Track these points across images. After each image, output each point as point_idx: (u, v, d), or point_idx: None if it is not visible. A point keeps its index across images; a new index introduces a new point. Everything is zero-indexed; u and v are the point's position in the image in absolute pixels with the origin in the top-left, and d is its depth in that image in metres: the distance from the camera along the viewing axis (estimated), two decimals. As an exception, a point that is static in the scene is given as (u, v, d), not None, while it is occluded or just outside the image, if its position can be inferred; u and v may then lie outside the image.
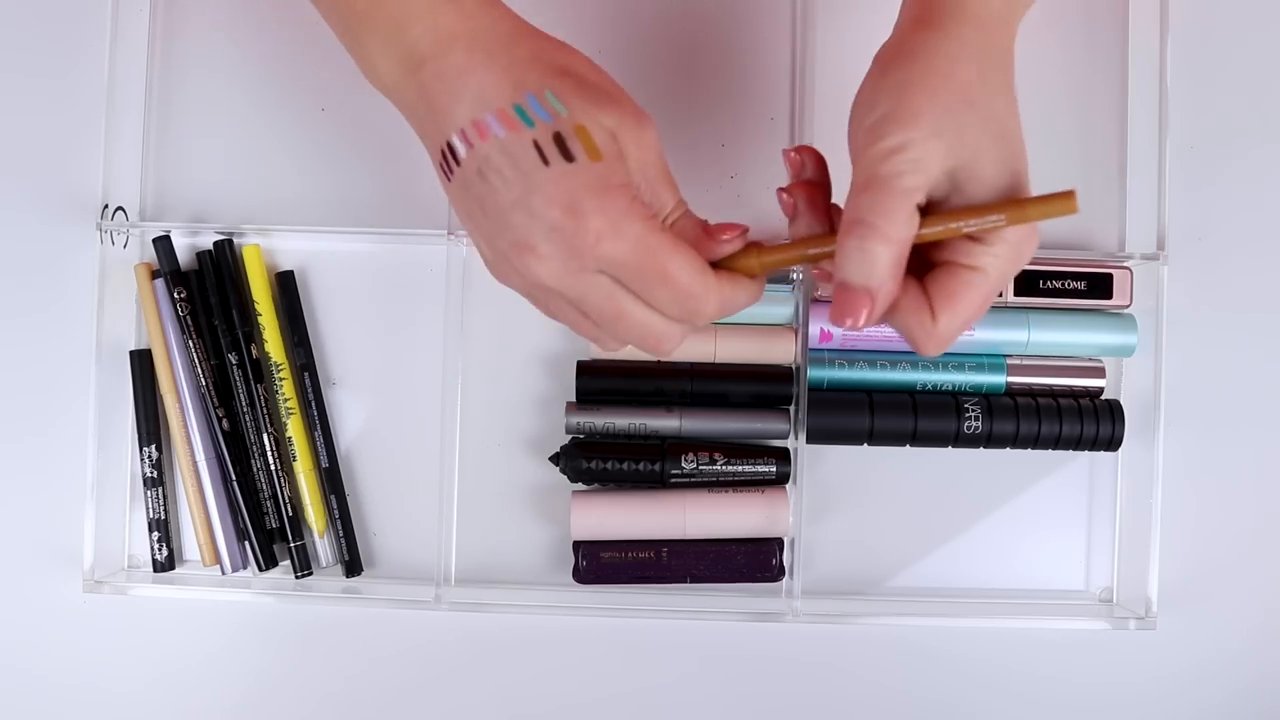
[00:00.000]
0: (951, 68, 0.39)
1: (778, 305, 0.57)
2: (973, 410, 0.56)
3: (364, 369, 0.59)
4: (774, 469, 0.57)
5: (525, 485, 0.59)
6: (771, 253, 0.42)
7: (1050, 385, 0.57)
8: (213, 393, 0.57)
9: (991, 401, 0.56)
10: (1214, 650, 0.59)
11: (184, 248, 0.58)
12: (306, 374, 0.58)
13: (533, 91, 0.39)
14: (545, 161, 0.38)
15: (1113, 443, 0.56)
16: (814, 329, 0.57)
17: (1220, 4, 0.59)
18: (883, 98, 0.39)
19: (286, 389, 0.58)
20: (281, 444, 0.58)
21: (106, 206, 0.57)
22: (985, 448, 0.57)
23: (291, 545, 0.58)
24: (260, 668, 0.59)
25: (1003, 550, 0.59)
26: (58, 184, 0.59)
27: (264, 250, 0.58)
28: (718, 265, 0.42)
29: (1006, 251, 0.40)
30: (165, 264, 0.57)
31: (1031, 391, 0.57)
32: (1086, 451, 0.57)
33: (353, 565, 0.58)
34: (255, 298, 0.57)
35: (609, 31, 0.59)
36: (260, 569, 0.58)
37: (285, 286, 0.58)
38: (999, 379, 0.57)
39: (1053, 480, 0.59)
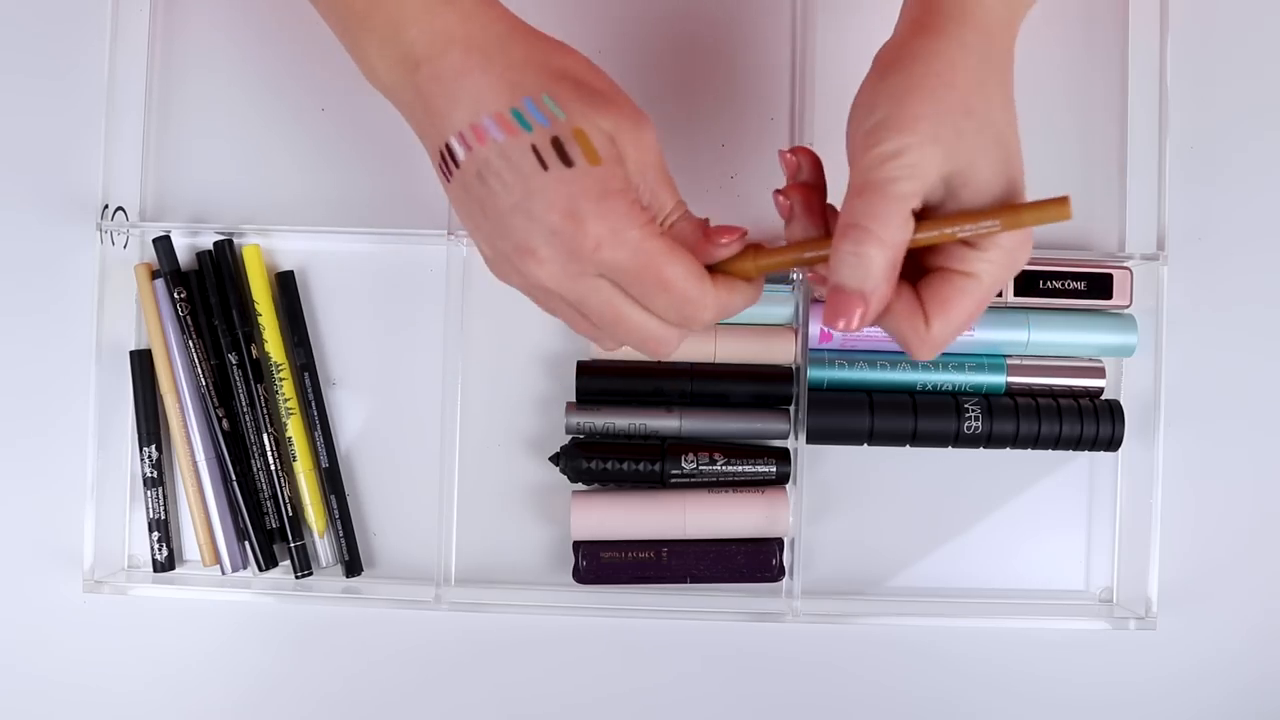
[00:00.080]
0: (951, 73, 0.39)
1: (778, 305, 0.57)
2: (973, 410, 0.56)
3: (364, 369, 0.59)
4: (774, 469, 0.57)
5: (525, 485, 0.59)
6: (767, 256, 0.42)
7: (1050, 385, 0.57)
8: (213, 393, 0.57)
9: (991, 401, 0.56)
10: (1214, 650, 0.59)
11: (184, 248, 0.58)
12: (306, 374, 0.58)
13: (530, 95, 0.39)
14: (544, 166, 0.38)
15: (1113, 443, 0.56)
16: (814, 329, 0.57)
17: (1220, 4, 0.59)
18: (881, 101, 0.39)
19: (286, 389, 0.58)
20: (281, 444, 0.58)
21: (106, 206, 0.57)
22: (985, 448, 0.57)
23: (291, 545, 0.58)
24: (260, 668, 0.59)
25: (1003, 550, 0.59)
26: (58, 184, 0.59)
27: (264, 250, 0.58)
28: (714, 268, 0.42)
29: (1001, 257, 0.40)
30: (165, 264, 0.57)
31: (1031, 391, 0.57)
32: (1086, 451, 0.57)
33: (353, 565, 0.58)
34: (255, 298, 0.57)
35: (609, 31, 0.59)
36: (260, 569, 0.58)
37: (285, 286, 0.58)
38: (999, 379, 0.57)
39: (1053, 480, 0.59)
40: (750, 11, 0.59)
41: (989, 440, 0.56)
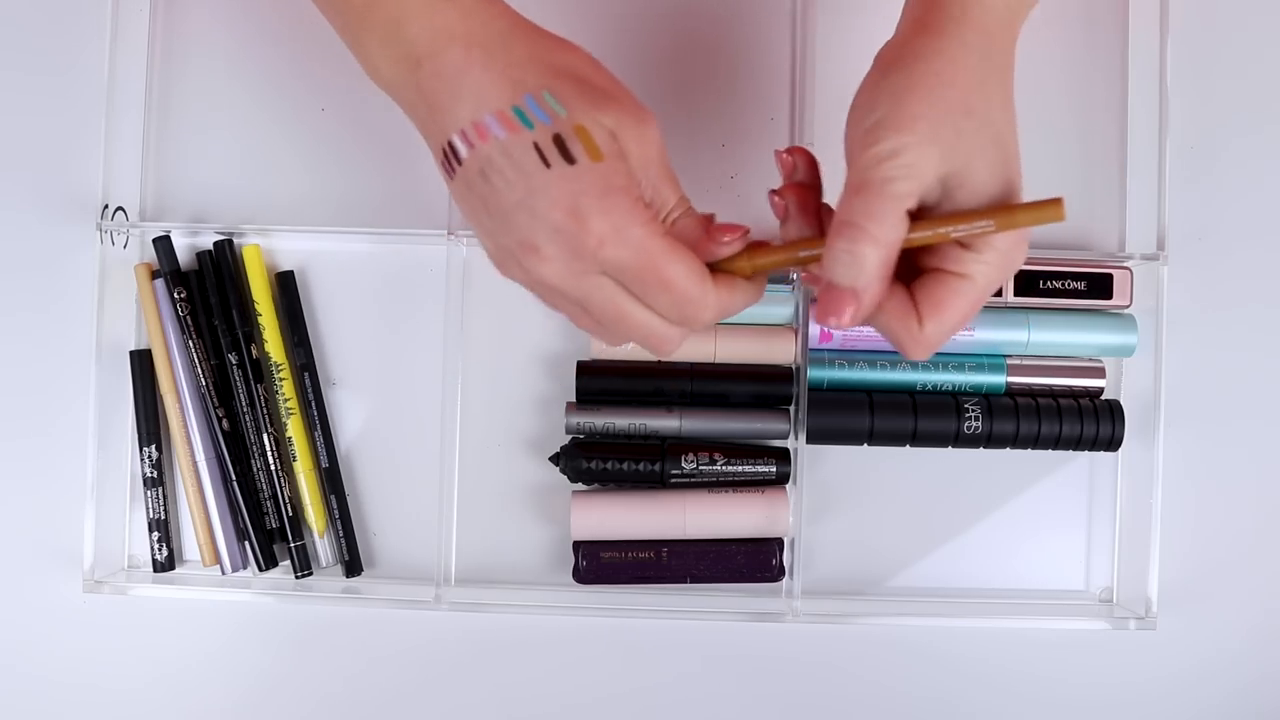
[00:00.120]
0: (951, 73, 0.39)
1: (778, 305, 0.57)
2: (973, 410, 0.56)
3: (364, 369, 0.59)
4: (774, 469, 0.57)
5: (525, 485, 0.59)
6: (763, 255, 0.42)
7: (1050, 385, 0.57)
8: (213, 393, 0.57)
9: (991, 401, 0.56)
10: (1214, 650, 0.59)
11: (184, 248, 0.58)
12: (306, 374, 0.58)
13: (531, 92, 0.39)
14: (546, 164, 0.38)
15: (1113, 443, 0.56)
16: (814, 329, 0.57)
17: (1220, 4, 0.59)
18: (881, 101, 0.39)
19: (286, 389, 0.58)
20: (281, 444, 0.58)
21: (106, 206, 0.57)
22: (985, 448, 0.57)
23: (291, 545, 0.58)
24: (260, 668, 0.59)
25: (1003, 550, 0.59)
26: (58, 184, 0.59)
27: (264, 250, 0.58)
28: (711, 266, 0.42)
29: (996, 259, 0.40)
30: (165, 264, 0.57)
31: (1031, 391, 0.57)
32: (1086, 451, 0.57)
33: (353, 565, 0.58)
34: (255, 298, 0.57)
35: (609, 31, 0.59)
36: (260, 569, 0.58)
37: (285, 286, 0.58)
38: (999, 379, 0.57)
39: (1053, 480, 0.59)
40: (750, 11, 0.59)
41: (989, 440, 0.56)
